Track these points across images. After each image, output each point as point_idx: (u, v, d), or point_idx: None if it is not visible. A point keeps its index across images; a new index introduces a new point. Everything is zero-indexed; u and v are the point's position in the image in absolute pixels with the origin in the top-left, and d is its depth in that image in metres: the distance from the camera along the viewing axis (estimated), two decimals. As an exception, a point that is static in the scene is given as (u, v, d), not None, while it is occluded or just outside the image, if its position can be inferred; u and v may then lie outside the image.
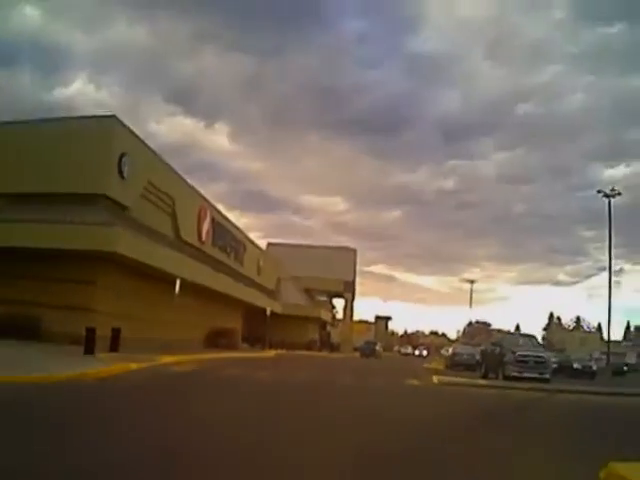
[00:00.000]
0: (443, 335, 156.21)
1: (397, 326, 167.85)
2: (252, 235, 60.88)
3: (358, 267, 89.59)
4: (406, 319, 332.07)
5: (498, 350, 26.99)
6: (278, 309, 55.62)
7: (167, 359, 22.26)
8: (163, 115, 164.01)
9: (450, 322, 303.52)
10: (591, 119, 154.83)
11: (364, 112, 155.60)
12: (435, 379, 23.78)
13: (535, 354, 25.55)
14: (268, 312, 49.65)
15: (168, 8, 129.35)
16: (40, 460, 5.45)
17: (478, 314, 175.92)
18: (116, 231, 24.12)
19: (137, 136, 28.00)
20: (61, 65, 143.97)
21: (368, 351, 63.48)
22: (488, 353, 28.82)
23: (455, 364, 38.52)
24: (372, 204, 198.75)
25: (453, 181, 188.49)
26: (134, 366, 18.15)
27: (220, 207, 44.35)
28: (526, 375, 24.29)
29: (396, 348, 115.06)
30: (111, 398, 11.54)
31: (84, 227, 23.83)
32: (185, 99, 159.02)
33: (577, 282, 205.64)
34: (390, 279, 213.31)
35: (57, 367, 14.89)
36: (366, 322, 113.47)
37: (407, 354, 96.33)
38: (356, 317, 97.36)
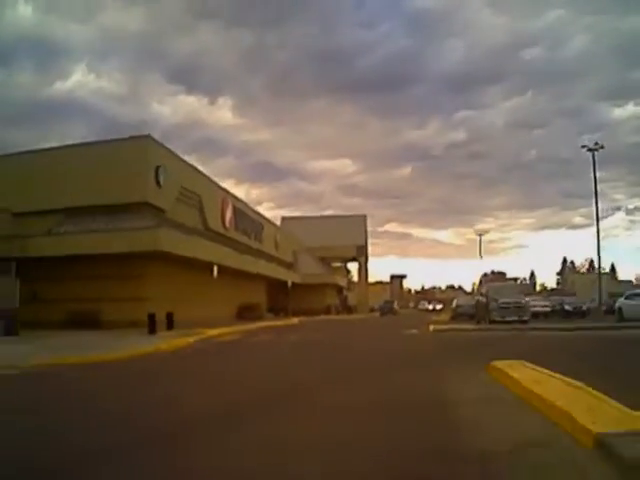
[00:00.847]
0: (460, 288, 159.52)
1: (415, 283, 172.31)
2: (264, 206, 65.79)
3: (372, 228, 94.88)
4: (424, 275, 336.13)
5: (485, 300, 32.03)
6: (297, 279, 60.54)
7: (212, 332, 26.87)
8: (166, 95, 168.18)
9: (467, 274, 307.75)
10: (596, 60, 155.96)
11: (368, 72, 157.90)
12: (431, 328, 28.68)
13: (515, 300, 30.47)
14: (289, 284, 54.85)
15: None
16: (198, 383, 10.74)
17: (495, 264, 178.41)
18: (160, 233, 29.23)
19: (168, 149, 33.14)
20: (58, 58, 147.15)
21: (386, 310, 69.14)
22: (479, 303, 33.80)
23: (458, 315, 42.65)
24: (382, 163, 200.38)
25: (463, 133, 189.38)
26: (191, 339, 22.95)
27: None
28: (507, 319, 29.18)
29: (411, 305, 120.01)
30: (196, 358, 16.70)
31: (132, 232, 29.00)
32: (186, 78, 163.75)
33: (592, 224, 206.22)
34: (405, 236, 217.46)
35: (137, 345, 19.40)
36: (381, 282, 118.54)
37: (423, 309, 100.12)
38: (374, 277, 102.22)
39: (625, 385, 7.56)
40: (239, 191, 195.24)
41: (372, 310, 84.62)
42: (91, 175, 30.72)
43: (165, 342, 21.03)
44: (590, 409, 6.04)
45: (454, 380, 9.95)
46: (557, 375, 8.73)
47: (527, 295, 36.88)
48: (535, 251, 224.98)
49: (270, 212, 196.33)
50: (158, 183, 30.98)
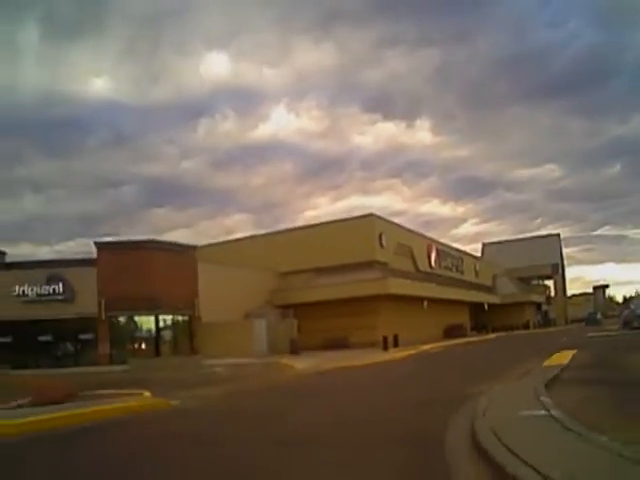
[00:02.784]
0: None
1: (630, 289, 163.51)
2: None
3: (585, 233, 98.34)
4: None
5: (631, 310, 41.88)
6: (496, 301, 71.20)
7: (425, 347, 38.86)
8: (364, 125, 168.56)
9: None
10: None
11: (562, 72, 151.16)
12: (589, 334, 38.84)
13: None
14: (486, 306, 66.17)
15: (347, 23, 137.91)
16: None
17: None
18: (387, 281, 42.89)
19: (386, 219, 47.33)
20: (257, 102, 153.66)
21: (591, 320, 75.81)
22: (629, 313, 43.54)
23: (624, 324, 47.03)
24: (588, 164, 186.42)
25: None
26: (412, 352, 35.37)
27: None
28: None
29: (616, 313, 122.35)
30: (417, 361, 29.64)
31: (367, 282, 42.76)
32: (382, 105, 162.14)
33: None
34: (620, 239, 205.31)
35: (380, 357, 32.20)
36: (585, 294, 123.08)
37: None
38: (586, 286, 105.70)
39: (600, 359, 19.08)
40: (444, 210, 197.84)
41: (574, 322, 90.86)
42: (334, 244, 45.21)
43: (395, 354, 33.64)
44: (556, 360, 18.30)
45: (534, 355, 21.99)
46: (569, 353, 20.51)
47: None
48: None
49: (476, 227, 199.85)
50: (381, 245, 44.77)
